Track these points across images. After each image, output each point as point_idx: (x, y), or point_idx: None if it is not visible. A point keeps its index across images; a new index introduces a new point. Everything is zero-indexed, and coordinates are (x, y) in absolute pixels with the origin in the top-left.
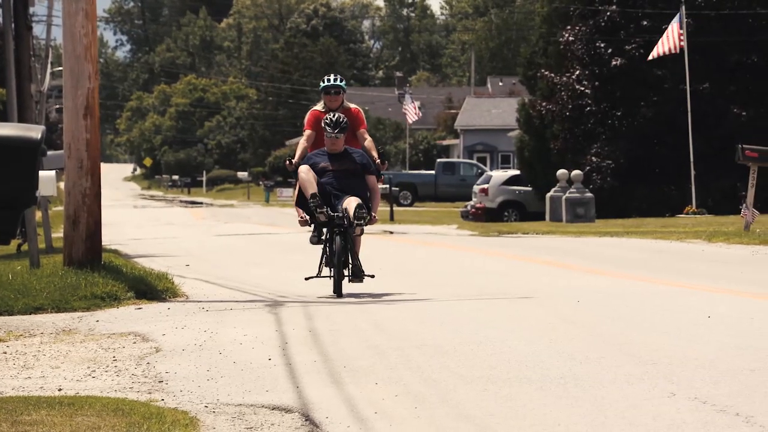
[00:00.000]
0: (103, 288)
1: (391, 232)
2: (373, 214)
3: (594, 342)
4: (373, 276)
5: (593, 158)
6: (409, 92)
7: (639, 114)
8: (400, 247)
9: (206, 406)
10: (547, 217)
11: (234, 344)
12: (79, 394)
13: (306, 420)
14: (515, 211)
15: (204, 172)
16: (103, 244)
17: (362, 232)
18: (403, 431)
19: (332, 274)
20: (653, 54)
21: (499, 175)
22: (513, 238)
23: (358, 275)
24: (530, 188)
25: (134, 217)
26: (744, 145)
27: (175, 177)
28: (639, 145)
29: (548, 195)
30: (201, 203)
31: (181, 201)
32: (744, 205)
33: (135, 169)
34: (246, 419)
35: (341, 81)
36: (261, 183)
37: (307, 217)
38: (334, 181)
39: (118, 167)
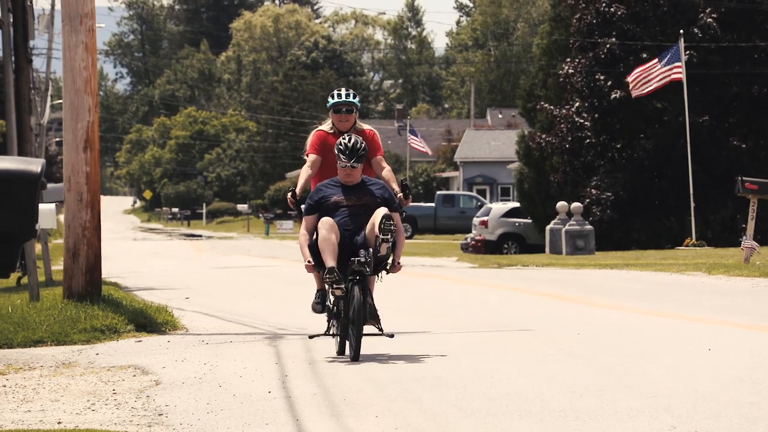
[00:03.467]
0: (103, 321)
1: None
2: (397, 261)
3: (594, 374)
4: (392, 335)
5: (593, 190)
6: (412, 127)
7: (638, 146)
8: (399, 279)
9: None
10: (547, 249)
11: (234, 377)
12: (78, 427)
13: None
14: (515, 244)
15: (204, 205)
16: (102, 276)
17: (388, 252)
18: None
19: (339, 332)
20: (638, 93)
21: (498, 207)
22: (513, 270)
23: (374, 317)
24: (530, 220)
25: (134, 250)
26: (744, 177)
27: (175, 209)
28: (638, 177)
29: (548, 227)
30: (200, 236)
31: (180, 234)
32: (744, 237)
33: (135, 202)
34: None
35: (354, 97)
36: (261, 215)
37: (313, 263)
38: (348, 220)
39: (117, 200)
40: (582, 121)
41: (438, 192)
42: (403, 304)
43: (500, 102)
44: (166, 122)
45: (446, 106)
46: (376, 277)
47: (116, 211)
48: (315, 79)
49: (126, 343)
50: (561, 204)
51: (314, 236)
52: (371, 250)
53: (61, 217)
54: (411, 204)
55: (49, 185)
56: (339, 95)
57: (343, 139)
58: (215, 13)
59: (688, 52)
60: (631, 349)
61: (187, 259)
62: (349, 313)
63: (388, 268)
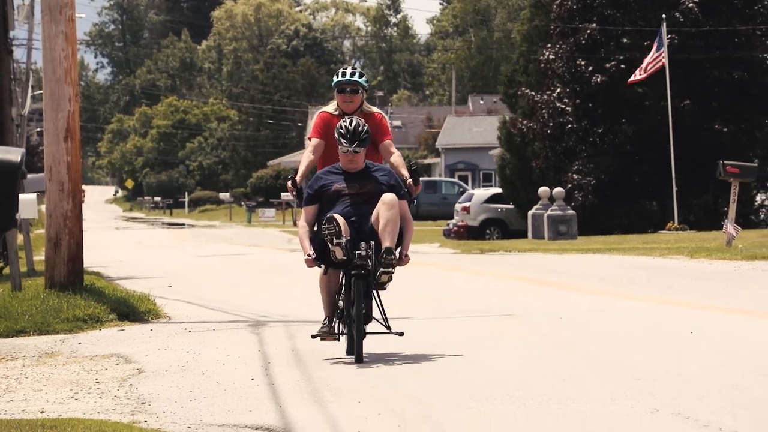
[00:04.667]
0: (86, 310)
1: None
2: (405, 253)
3: (577, 359)
4: (402, 334)
5: (575, 176)
6: (390, 112)
7: (620, 131)
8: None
9: (189, 427)
10: (529, 234)
11: (217, 365)
12: (61, 416)
13: None
14: (497, 229)
15: (186, 194)
16: (84, 266)
17: (389, 280)
18: None
19: (344, 331)
20: (633, 79)
21: (480, 193)
22: (495, 256)
23: (383, 322)
24: (512, 206)
25: (116, 239)
26: (725, 161)
27: (157, 198)
28: (620, 161)
29: (530, 213)
30: (183, 224)
31: (163, 222)
32: (726, 220)
33: (117, 192)
34: None
35: (361, 77)
36: (243, 204)
37: (314, 256)
38: (351, 210)
39: (99, 189)
40: (563, 106)
41: (420, 179)
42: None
43: (481, 88)
44: (147, 112)
45: (427, 92)
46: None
47: (98, 201)
48: (296, 67)
49: (109, 332)
50: (543, 189)
51: (314, 228)
52: (372, 242)
53: (43, 207)
54: None
55: (30, 175)
56: (344, 74)
57: (344, 121)
58: (195, 2)
59: (669, 36)
60: (614, 334)
61: (170, 248)
62: (351, 311)
63: (392, 269)
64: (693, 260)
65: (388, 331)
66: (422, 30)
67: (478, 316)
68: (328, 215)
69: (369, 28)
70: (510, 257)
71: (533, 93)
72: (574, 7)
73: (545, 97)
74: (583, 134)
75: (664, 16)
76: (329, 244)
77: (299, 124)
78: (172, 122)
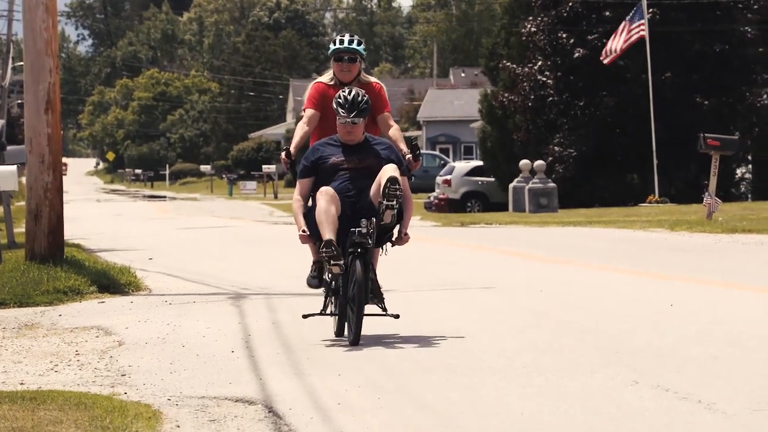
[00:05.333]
0: (66, 282)
1: None
2: (404, 231)
3: (557, 331)
4: (397, 316)
5: (556, 148)
6: None
7: (601, 104)
8: None
9: (169, 399)
10: (510, 207)
11: (197, 337)
12: (41, 388)
13: (269, 412)
14: (478, 202)
15: (167, 166)
16: (65, 238)
17: (393, 220)
18: (365, 422)
19: (333, 311)
20: (609, 58)
21: (461, 166)
22: (476, 229)
23: (377, 295)
24: (493, 179)
25: (97, 212)
26: (706, 134)
27: (138, 171)
28: (601, 134)
29: (511, 185)
30: (164, 197)
31: (144, 195)
32: (706, 193)
33: (98, 164)
34: (209, 411)
35: (359, 44)
36: (224, 176)
37: (308, 232)
38: (349, 184)
39: (80, 162)
40: (545, 79)
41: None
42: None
43: (463, 61)
44: (128, 84)
45: (409, 65)
46: (380, 250)
47: (79, 173)
48: (277, 40)
49: (89, 304)
50: (524, 162)
51: (309, 203)
52: (374, 219)
53: (24, 179)
54: None
55: (10, 147)
56: (341, 41)
57: (343, 91)
58: None
59: (651, 9)
60: (594, 306)
61: (151, 220)
62: (348, 291)
63: (393, 239)
64: (673, 233)
65: (385, 313)
66: (404, 2)
67: (458, 288)
68: (326, 239)
69: (350, 1)
70: (491, 230)
71: (514, 66)
72: None
73: (526, 69)
74: (564, 107)
75: None
76: (327, 264)
77: (280, 96)
78: (153, 94)
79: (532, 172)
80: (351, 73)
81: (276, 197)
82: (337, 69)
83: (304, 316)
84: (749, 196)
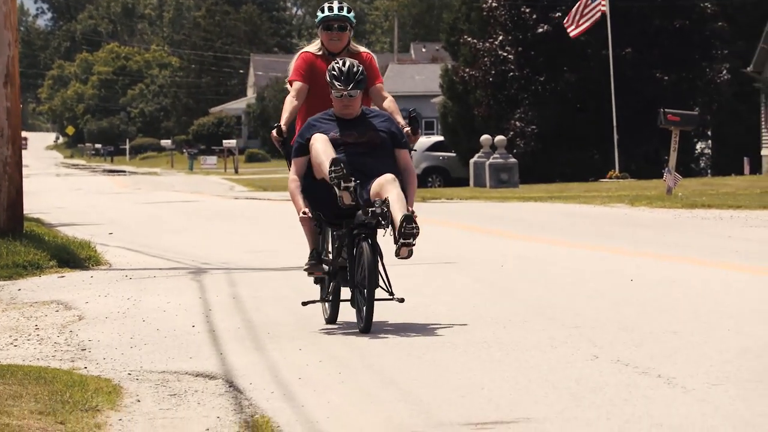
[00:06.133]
0: (25, 257)
1: None
2: (411, 208)
3: (517, 306)
4: (403, 300)
5: (517, 123)
6: None
7: (562, 79)
8: None
9: (129, 374)
10: (471, 182)
11: (157, 312)
12: (0, 363)
13: (230, 386)
14: (439, 177)
15: (127, 141)
16: (25, 212)
17: (410, 255)
18: (327, 397)
19: (328, 297)
20: (576, 32)
21: (422, 141)
22: (437, 204)
23: (386, 288)
24: (454, 154)
25: (57, 186)
26: (666, 110)
27: (98, 145)
28: (562, 110)
29: (472, 161)
30: (124, 171)
31: (104, 169)
32: (666, 169)
33: (57, 138)
34: (169, 386)
35: (349, 11)
36: (185, 151)
37: (309, 214)
38: (348, 160)
39: (40, 136)
40: (505, 54)
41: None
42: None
43: (424, 36)
44: (88, 58)
45: (370, 40)
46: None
47: (39, 147)
48: (238, 15)
49: (49, 278)
50: (485, 137)
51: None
52: (387, 199)
53: None
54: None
55: None
56: (330, 8)
57: (336, 63)
58: None
59: None
60: (555, 281)
61: (111, 195)
62: (356, 275)
63: (413, 241)
64: (634, 208)
65: (391, 297)
66: None
67: (419, 264)
68: (333, 157)
69: None
70: (451, 205)
71: (475, 41)
72: None
73: (487, 45)
74: (525, 82)
75: None
76: (336, 189)
77: (241, 71)
78: (114, 69)
79: (493, 148)
80: (341, 42)
81: (237, 172)
82: (326, 38)
83: (304, 303)
84: (709, 171)
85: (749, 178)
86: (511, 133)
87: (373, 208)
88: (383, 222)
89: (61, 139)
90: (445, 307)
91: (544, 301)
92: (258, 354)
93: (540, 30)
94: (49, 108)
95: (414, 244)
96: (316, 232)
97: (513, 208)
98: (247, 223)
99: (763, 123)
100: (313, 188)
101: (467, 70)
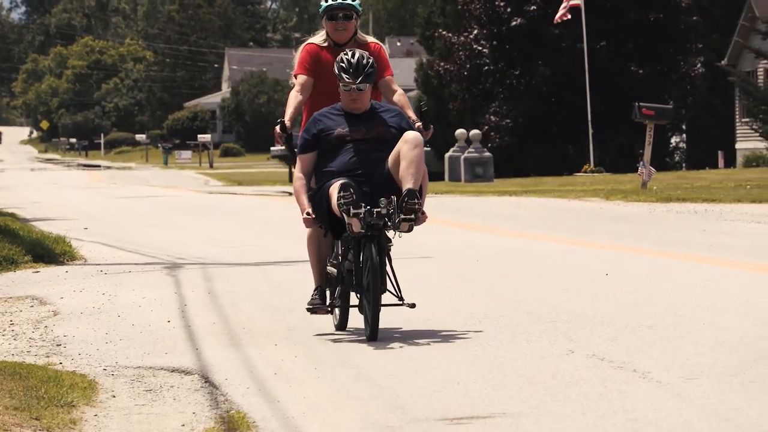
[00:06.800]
0: (0, 252)
1: (290, 194)
2: (421, 203)
3: (493, 301)
4: (414, 305)
5: (492, 117)
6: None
7: (537, 73)
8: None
9: (105, 369)
10: (446, 177)
11: (133, 307)
12: None
13: (205, 382)
14: None
15: (102, 135)
16: None
17: (410, 229)
18: (302, 392)
19: (336, 303)
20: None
21: None
22: None
23: (396, 292)
24: (429, 148)
25: (31, 181)
26: (641, 103)
27: (73, 140)
28: (537, 104)
29: (447, 155)
30: (99, 166)
31: (78, 164)
32: (641, 163)
33: (31, 132)
34: (145, 381)
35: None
36: (159, 145)
37: (313, 215)
38: (357, 160)
39: (14, 130)
40: (480, 48)
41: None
42: (301, 232)
43: (399, 30)
44: (62, 52)
45: None
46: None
47: (12, 142)
48: (212, 8)
49: (23, 273)
50: (460, 131)
51: (312, 182)
52: (393, 198)
53: None
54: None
55: None
56: None
57: (345, 54)
58: None
59: None
60: (530, 276)
61: (86, 190)
62: (362, 279)
63: (415, 219)
64: (609, 202)
65: (401, 303)
66: None
67: (395, 258)
68: (343, 182)
69: None
70: (427, 199)
71: (450, 35)
72: None
73: (462, 39)
74: (500, 76)
75: None
76: (345, 215)
77: (215, 65)
78: (88, 63)
79: (468, 142)
80: (347, 32)
81: (212, 166)
82: (331, 28)
83: (310, 312)
84: (683, 165)
85: (723, 172)
86: (486, 127)
87: (379, 209)
88: (389, 223)
89: (35, 134)
90: (420, 301)
91: (519, 295)
92: (233, 349)
93: (514, 23)
94: (23, 102)
95: (415, 219)
96: (324, 262)
97: (488, 203)
98: (223, 218)
99: (737, 116)
100: (317, 197)
101: (442, 64)
